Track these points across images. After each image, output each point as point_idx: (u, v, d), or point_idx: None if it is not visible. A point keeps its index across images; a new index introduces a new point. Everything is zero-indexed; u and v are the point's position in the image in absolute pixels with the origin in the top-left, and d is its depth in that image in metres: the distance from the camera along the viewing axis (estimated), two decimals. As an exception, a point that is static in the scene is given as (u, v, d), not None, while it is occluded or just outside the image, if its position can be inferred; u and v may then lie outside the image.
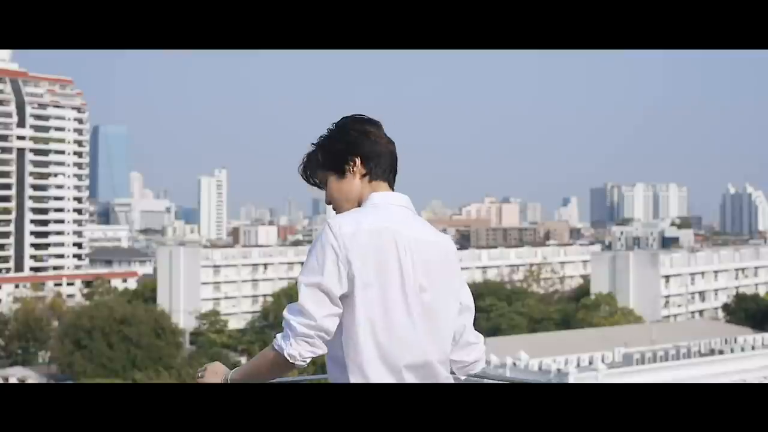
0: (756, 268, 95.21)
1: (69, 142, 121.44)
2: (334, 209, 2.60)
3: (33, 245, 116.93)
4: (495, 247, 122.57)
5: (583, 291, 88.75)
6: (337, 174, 2.59)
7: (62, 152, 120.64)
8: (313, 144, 2.67)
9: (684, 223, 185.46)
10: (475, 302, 2.65)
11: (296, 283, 2.41)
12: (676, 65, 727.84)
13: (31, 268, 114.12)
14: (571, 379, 43.22)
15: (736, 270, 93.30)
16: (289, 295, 77.60)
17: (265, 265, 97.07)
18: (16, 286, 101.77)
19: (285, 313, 2.37)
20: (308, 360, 2.35)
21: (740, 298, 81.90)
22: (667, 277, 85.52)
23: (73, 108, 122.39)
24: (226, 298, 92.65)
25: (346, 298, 2.37)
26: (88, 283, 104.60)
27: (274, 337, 2.38)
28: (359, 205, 2.55)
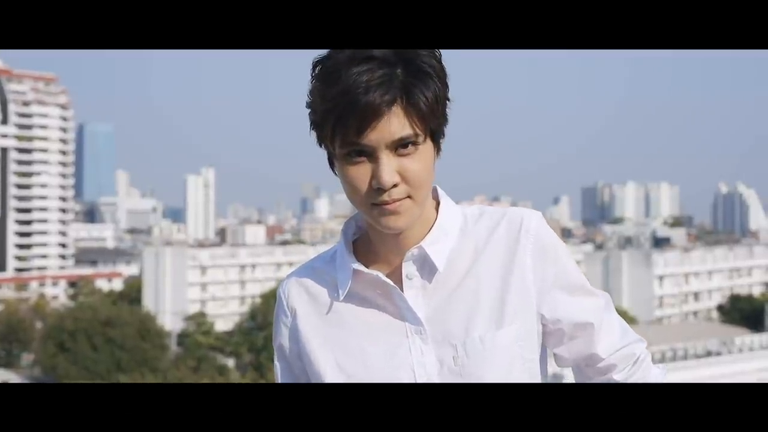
0: (750, 268, 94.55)
1: (53, 141, 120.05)
2: (414, 190, 1.47)
3: (16, 245, 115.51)
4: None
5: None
6: (437, 143, 1.53)
7: (46, 151, 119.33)
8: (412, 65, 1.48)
9: (676, 222, 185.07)
10: None
11: (605, 304, 1.71)
12: (670, 65, 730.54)
13: (15, 269, 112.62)
14: (567, 381, 42.31)
15: (730, 270, 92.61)
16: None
17: (253, 266, 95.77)
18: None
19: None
20: None
21: (734, 298, 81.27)
22: (660, 277, 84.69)
23: (58, 106, 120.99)
24: (214, 299, 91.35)
25: None
26: (72, 284, 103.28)
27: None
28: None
